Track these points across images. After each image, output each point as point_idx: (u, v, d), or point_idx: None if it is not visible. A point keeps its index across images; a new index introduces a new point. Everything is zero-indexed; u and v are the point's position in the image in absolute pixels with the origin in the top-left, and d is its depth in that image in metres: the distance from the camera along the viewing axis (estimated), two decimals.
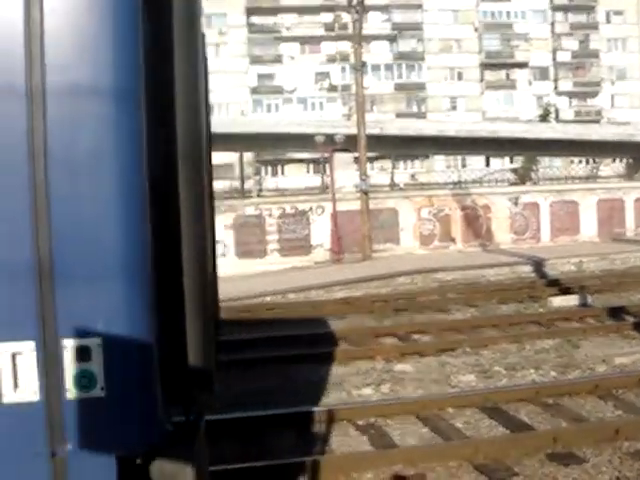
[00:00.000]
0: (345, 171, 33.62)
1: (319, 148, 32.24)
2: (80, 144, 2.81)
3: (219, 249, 26.40)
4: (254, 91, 67.96)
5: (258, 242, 27.05)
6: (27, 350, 2.84)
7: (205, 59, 4.40)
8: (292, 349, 11.39)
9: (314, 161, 57.92)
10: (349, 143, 30.58)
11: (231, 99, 64.84)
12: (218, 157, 60.64)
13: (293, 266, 26.30)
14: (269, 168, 63.62)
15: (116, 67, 2.83)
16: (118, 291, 2.87)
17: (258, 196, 44.58)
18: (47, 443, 2.89)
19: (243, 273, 25.21)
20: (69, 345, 2.83)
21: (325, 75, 67.89)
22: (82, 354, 2.83)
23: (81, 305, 2.85)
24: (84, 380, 2.85)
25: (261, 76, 68.21)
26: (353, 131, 30.81)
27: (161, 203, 3.14)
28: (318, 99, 67.72)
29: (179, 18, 3.17)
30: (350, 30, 35.70)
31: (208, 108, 4.73)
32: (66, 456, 2.89)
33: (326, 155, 32.84)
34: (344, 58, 63.13)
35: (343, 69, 66.14)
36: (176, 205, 3.19)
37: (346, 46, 55.18)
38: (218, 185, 56.16)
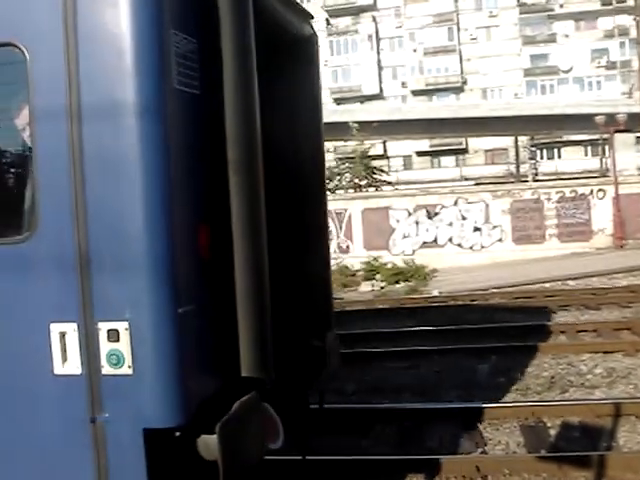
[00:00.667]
0: (626, 152, 32.10)
1: (600, 128, 30.93)
2: (112, 151, 3.36)
3: (496, 234, 26.46)
4: (527, 73, 66.32)
5: (536, 227, 26.59)
6: (71, 330, 3.44)
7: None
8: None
9: (592, 143, 55.57)
10: (631, 123, 29.12)
11: (504, 82, 64.05)
12: (492, 142, 60.20)
13: (572, 252, 25.55)
14: (544, 151, 61.89)
15: (142, 89, 3.33)
16: (144, 281, 3.34)
17: (534, 180, 43.77)
18: (88, 411, 3.44)
19: (521, 259, 25.05)
20: (103, 327, 3.38)
21: (602, 52, 64.58)
22: (112, 336, 3.37)
23: (113, 293, 3.38)
24: (114, 358, 3.38)
25: (534, 57, 66.40)
26: (635, 110, 29.30)
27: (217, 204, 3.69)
28: (595, 78, 64.62)
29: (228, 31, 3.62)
30: (630, 2, 33.89)
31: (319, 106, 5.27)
32: (103, 423, 3.43)
33: (606, 136, 31.50)
34: (623, 33, 59.84)
35: (622, 44, 62.57)
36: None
37: (625, 20, 52.33)
38: (493, 169, 55.89)
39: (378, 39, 69.21)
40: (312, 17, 5.38)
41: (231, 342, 3.80)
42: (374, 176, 38.12)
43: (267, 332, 3.94)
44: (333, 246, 24.80)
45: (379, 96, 68.10)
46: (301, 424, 5.47)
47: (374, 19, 69.29)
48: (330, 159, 38.47)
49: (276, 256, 4.22)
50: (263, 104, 3.91)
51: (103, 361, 3.42)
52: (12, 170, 3.99)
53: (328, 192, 7.00)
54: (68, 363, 3.49)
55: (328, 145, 30.88)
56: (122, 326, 3.37)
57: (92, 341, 3.43)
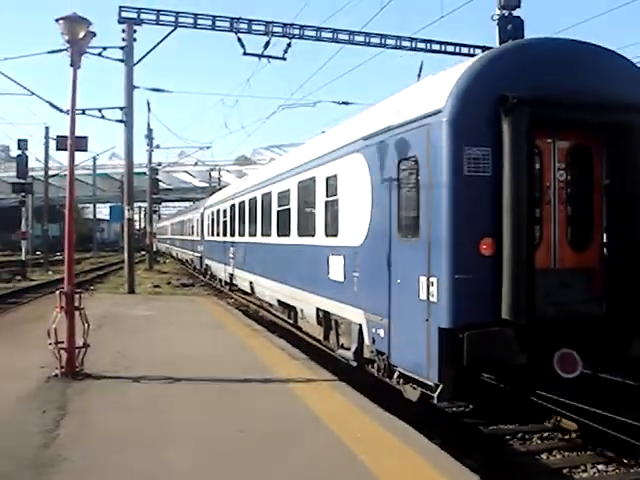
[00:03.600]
0: None
1: None
2: (436, 201, 8.80)
3: None
4: None
5: None
6: (424, 280, 8.98)
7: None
8: None
9: None
10: None
11: None
12: None
13: None
14: None
15: (447, 176, 8.68)
16: (445, 263, 8.69)
17: None
18: (426, 316, 8.76)
19: None
20: (432, 280, 8.85)
21: None
22: (432, 284, 8.84)
23: (435, 266, 8.83)
24: (432, 294, 8.86)
25: None
26: None
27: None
28: None
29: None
30: None
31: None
32: (429, 322, 8.69)
33: None
34: None
35: None
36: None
37: None
38: None
39: None
40: None
41: (496, 296, 8.38)
42: None
43: (524, 292, 8.28)
44: None
45: None
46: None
47: None
48: None
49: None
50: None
51: (427, 295, 8.84)
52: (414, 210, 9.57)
53: None
54: (426, 294, 8.88)
55: None
56: (433, 279, 8.71)
57: (437, 285, 8.63)
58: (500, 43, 19.18)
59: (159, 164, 60.96)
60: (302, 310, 15.50)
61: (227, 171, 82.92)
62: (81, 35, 10.71)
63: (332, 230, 12.95)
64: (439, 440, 7.95)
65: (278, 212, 17.82)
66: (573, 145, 9.20)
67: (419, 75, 31.05)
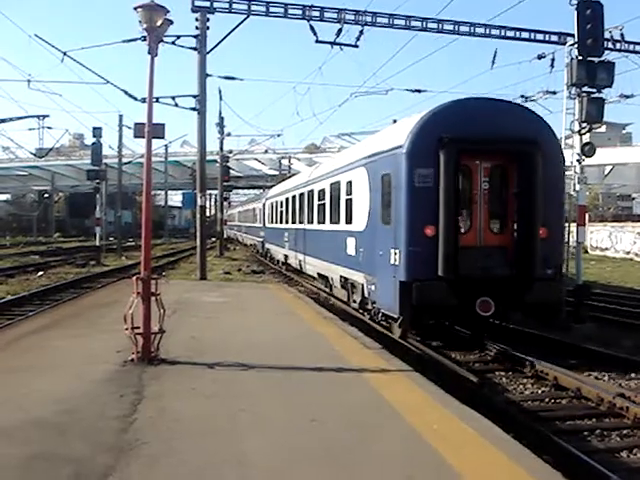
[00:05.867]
0: None
1: None
2: (397, 199, 14.03)
3: None
4: None
5: None
6: (394, 251, 14.07)
7: None
8: None
9: None
10: None
11: None
12: None
13: None
14: None
15: (405, 186, 13.77)
16: (403, 240, 13.66)
17: None
18: (394, 274, 13.84)
19: None
20: (396, 251, 13.96)
21: None
22: (396, 253, 13.87)
23: (398, 241, 13.91)
24: (396, 259, 13.93)
25: None
26: None
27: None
28: None
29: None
30: None
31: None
32: (395, 277, 13.82)
33: None
34: None
35: None
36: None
37: None
38: None
39: None
40: None
41: (435, 262, 13.22)
42: None
43: (453, 258, 13.14)
44: None
45: None
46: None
47: None
48: None
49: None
50: None
51: (394, 261, 13.89)
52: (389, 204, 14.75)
53: None
54: (393, 261, 13.94)
55: None
56: (397, 251, 13.81)
57: (398, 255, 13.80)
58: (578, 28, 18.67)
59: (230, 152, 61.56)
60: (332, 278, 21.20)
61: (297, 159, 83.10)
62: (159, 23, 10.77)
63: (349, 219, 18.18)
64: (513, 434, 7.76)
65: (318, 205, 23.34)
66: (493, 165, 14.33)
67: (492, 62, 30.70)
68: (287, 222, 31.78)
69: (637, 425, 9.76)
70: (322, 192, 22.48)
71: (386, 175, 14.61)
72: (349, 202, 18.10)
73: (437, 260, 13.21)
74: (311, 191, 24.80)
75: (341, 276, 19.35)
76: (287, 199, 32.07)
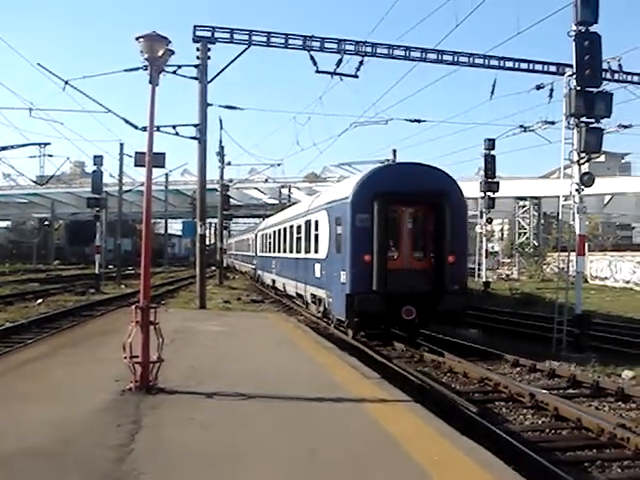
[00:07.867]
0: None
1: None
2: (343, 233, 19.26)
3: None
4: None
5: None
6: (344, 273, 18.95)
7: None
8: None
9: None
10: None
11: None
12: None
13: None
14: None
15: (350, 225, 18.87)
16: (348, 263, 18.54)
17: None
18: (346, 290, 18.86)
19: None
20: (343, 273, 18.91)
21: None
22: (344, 274, 18.79)
23: (342, 266, 19.12)
24: (343, 278, 18.89)
25: None
26: None
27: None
28: None
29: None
30: None
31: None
32: (345, 292, 18.66)
33: None
34: None
35: None
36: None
37: None
38: None
39: None
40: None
41: (370, 280, 18.06)
42: None
43: (383, 277, 18.03)
44: None
45: None
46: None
47: None
48: None
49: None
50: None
51: (343, 280, 18.90)
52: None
53: None
54: (342, 280, 18.94)
55: None
56: (345, 272, 18.78)
57: (345, 275, 18.69)
58: (577, 59, 18.78)
59: (230, 181, 61.62)
60: (306, 296, 25.63)
61: (297, 188, 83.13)
62: (160, 53, 10.85)
63: (316, 249, 22.97)
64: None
65: (296, 238, 28.04)
66: (415, 210, 19.15)
67: (492, 92, 30.91)
68: (274, 251, 36.90)
69: (638, 456, 9.69)
70: (299, 227, 27.34)
71: (338, 217, 19.72)
72: (316, 236, 22.97)
73: (372, 279, 17.93)
74: (292, 226, 29.66)
75: (312, 294, 24.23)
76: (274, 232, 36.98)
